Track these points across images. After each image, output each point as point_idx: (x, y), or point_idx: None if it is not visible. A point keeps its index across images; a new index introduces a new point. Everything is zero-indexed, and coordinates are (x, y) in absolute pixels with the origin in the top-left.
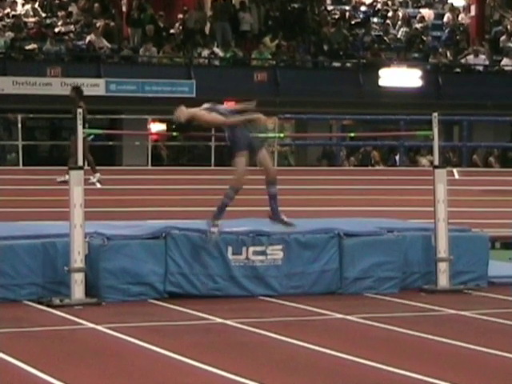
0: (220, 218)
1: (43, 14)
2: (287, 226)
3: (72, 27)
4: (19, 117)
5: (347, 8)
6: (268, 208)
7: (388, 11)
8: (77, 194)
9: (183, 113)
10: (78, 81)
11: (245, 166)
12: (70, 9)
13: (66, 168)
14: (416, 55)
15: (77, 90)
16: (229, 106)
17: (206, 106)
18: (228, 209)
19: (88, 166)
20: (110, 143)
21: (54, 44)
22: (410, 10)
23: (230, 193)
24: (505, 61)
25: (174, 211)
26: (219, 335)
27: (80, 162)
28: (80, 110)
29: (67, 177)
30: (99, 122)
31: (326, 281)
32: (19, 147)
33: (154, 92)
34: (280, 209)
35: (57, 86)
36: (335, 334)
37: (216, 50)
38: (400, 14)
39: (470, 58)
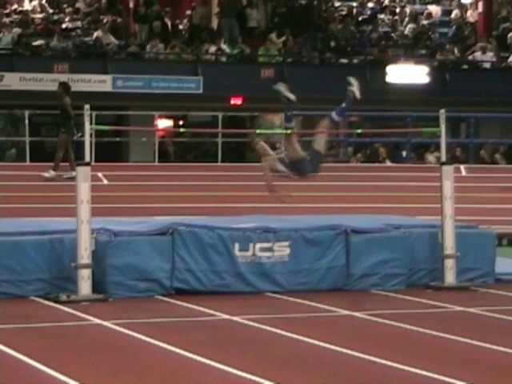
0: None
1: (50, 10)
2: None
3: (79, 23)
4: (26, 113)
5: (354, 4)
6: None
7: (395, 8)
8: (84, 190)
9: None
10: (85, 77)
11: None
12: (77, 5)
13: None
14: (423, 52)
15: (64, 85)
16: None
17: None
18: (234, 205)
19: (55, 162)
20: (117, 139)
21: (61, 40)
22: (418, 7)
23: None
24: None
25: (180, 207)
26: (225, 331)
27: (87, 158)
28: (87, 107)
29: (73, 173)
30: (106, 118)
31: (332, 277)
32: (26, 143)
33: (161, 88)
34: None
35: None
36: (341, 331)
37: (223, 46)
38: (407, 10)
39: (478, 55)
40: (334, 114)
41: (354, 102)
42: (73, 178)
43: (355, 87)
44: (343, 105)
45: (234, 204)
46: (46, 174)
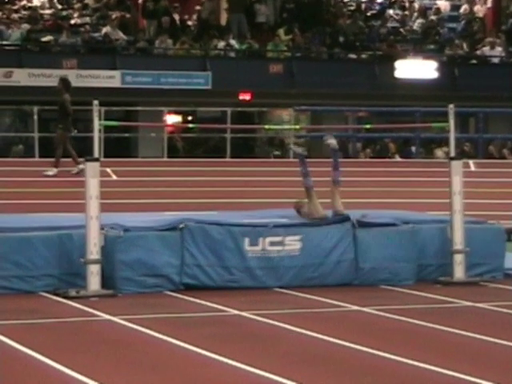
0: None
1: (59, 6)
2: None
3: (88, 19)
4: (35, 109)
5: None
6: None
7: (404, 3)
8: (93, 186)
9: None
10: (94, 73)
11: None
12: (85, 1)
13: (81, 159)
14: (432, 47)
15: (64, 81)
16: None
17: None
18: (244, 200)
19: (55, 159)
20: (126, 135)
21: (70, 36)
22: (426, 2)
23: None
24: None
25: (190, 203)
26: (235, 327)
27: (96, 154)
28: (96, 102)
29: (81, 167)
30: (115, 113)
31: (341, 272)
32: (35, 139)
33: (170, 84)
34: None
35: (72, 78)
36: (351, 326)
37: (232, 41)
38: (416, 5)
39: (486, 50)
40: (333, 173)
41: (338, 152)
42: (80, 172)
43: (329, 140)
44: (333, 161)
45: (243, 199)
46: (49, 173)
